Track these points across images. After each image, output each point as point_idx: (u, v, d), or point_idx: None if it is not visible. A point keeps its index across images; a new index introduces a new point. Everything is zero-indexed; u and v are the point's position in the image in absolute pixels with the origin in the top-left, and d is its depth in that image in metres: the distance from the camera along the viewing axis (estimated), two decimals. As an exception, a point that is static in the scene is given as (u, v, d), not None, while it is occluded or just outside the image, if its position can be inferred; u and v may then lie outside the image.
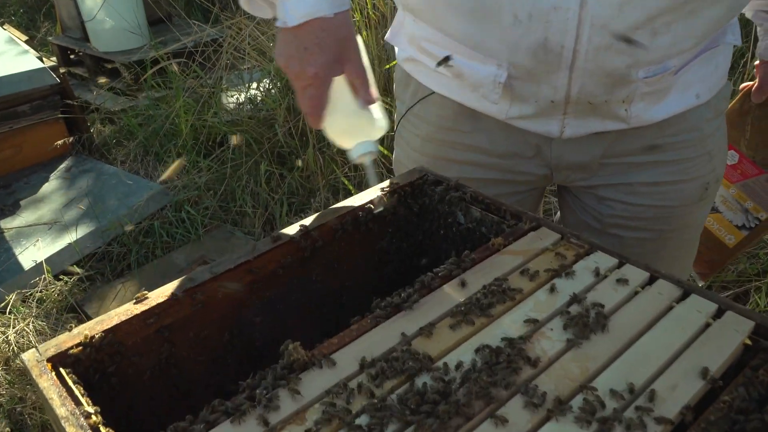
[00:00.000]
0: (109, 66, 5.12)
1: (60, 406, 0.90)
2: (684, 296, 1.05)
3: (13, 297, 2.90)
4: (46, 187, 3.80)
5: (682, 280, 1.08)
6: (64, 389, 0.93)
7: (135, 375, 1.13)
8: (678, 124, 1.39)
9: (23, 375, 2.58)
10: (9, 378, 2.54)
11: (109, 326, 1.05)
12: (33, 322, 2.79)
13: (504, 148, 1.49)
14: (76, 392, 0.94)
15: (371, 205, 1.35)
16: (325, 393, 0.90)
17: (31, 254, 3.24)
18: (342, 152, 3.45)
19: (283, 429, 0.85)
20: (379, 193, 1.36)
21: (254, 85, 4.23)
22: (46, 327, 2.80)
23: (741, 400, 0.87)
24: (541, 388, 0.89)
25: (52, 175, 3.90)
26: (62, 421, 0.88)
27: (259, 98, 4.17)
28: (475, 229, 1.36)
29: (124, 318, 1.06)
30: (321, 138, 3.61)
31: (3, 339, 2.67)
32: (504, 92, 1.35)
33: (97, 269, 3.31)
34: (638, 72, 1.27)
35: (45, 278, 3.06)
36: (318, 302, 1.37)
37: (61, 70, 4.04)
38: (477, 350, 0.96)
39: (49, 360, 0.98)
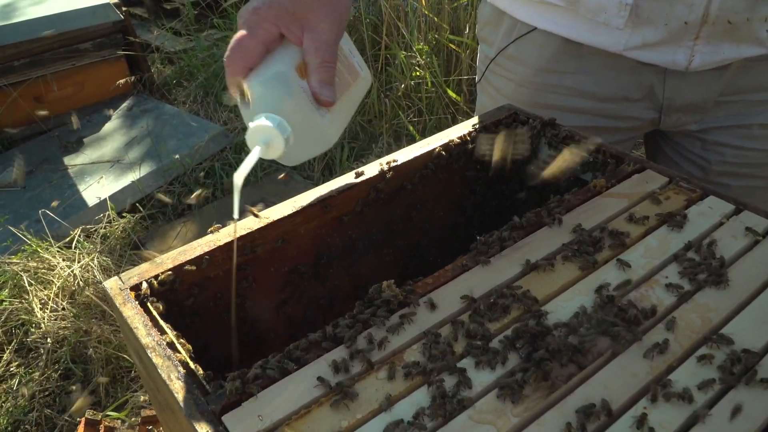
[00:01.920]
0: (169, 6, 5.07)
1: (146, 335, 0.86)
2: (812, 247, 0.96)
3: (77, 232, 2.92)
4: (108, 126, 3.81)
5: (810, 230, 0.98)
6: (149, 318, 0.89)
7: (213, 309, 1.09)
8: None
9: (88, 308, 2.61)
10: (74, 311, 2.57)
11: (192, 257, 1.00)
12: (97, 258, 2.80)
13: (611, 90, 1.35)
14: (161, 322, 0.90)
15: (453, 143, 1.27)
16: (423, 334, 0.84)
17: (94, 191, 3.25)
18: (407, 96, 3.36)
19: (380, 369, 0.80)
20: (470, 129, 1.28)
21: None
22: (110, 263, 2.82)
23: None
24: (660, 338, 0.81)
25: (114, 114, 3.90)
26: (148, 351, 0.84)
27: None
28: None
29: (207, 249, 1.01)
30: (385, 82, 3.51)
31: (69, 273, 2.69)
32: (628, 16, 1.21)
33: (158, 208, 3.31)
34: None
35: (108, 215, 3.07)
36: (398, 244, 1.31)
37: (123, 9, 4.01)
38: (585, 296, 0.89)
39: (131, 289, 0.95)
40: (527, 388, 0.76)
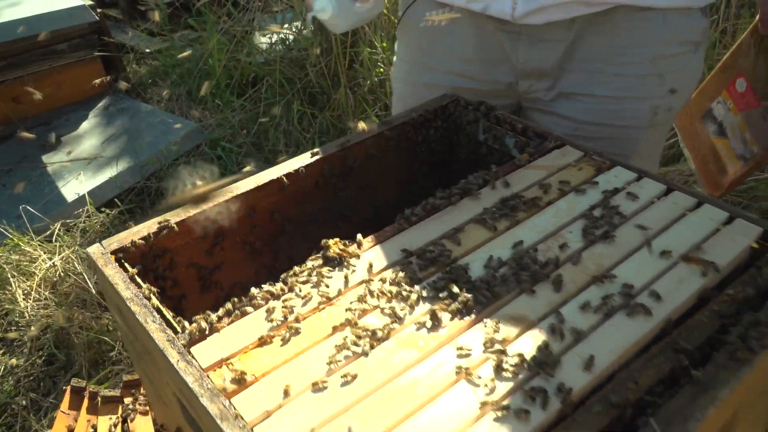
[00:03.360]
0: (143, 8, 5.18)
1: (125, 289, 1.00)
2: (697, 206, 1.12)
3: (57, 226, 3.03)
4: (86, 125, 3.91)
5: (697, 192, 1.15)
6: (127, 276, 1.03)
7: (186, 272, 1.23)
8: (630, 37, 1.41)
9: (67, 297, 2.73)
10: (56, 300, 2.69)
11: (164, 226, 1.14)
12: (77, 250, 2.92)
13: (474, 52, 1.55)
14: (137, 279, 1.04)
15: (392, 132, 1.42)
16: (363, 281, 1.00)
17: (73, 187, 3.36)
18: (372, 91, 3.51)
19: (324, 309, 0.95)
20: (413, 115, 1.43)
21: (286, 26, 4.28)
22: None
23: (744, 294, 0.95)
24: (559, 279, 0.97)
25: (91, 113, 4.01)
26: (127, 302, 0.98)
27: (291, 39, 4.22)
28: (502, 149, 1.43)
29: (177, 219, 1.16)
30: (352, 77, 3.66)
31: (50, 264, 2.81)
32: None
33: (136, 203, 3.43)
34: None
35: (87, 210, 3.18)
36: (352, 219, 1.46)
37: (98, 10, 4.12)
38: (501, 249, 1.04)
39: (112, 253, 1.09)
40: (444, 318, 0.91)
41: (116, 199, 3.37)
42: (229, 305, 0.96)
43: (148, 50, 4.68)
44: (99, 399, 1.53)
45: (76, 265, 2.87)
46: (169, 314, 0.97)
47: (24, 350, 2.59)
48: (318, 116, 3.77)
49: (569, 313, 0.92)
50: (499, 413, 0.78)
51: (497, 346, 0.87)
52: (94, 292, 2.72)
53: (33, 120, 3.89)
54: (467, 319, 0.92)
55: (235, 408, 0.81)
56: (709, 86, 1.71)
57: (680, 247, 1.02)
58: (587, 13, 1.38)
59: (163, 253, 1.16)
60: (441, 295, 0.95)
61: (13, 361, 2.54)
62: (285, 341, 0.90)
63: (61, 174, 3.49)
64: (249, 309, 0.96)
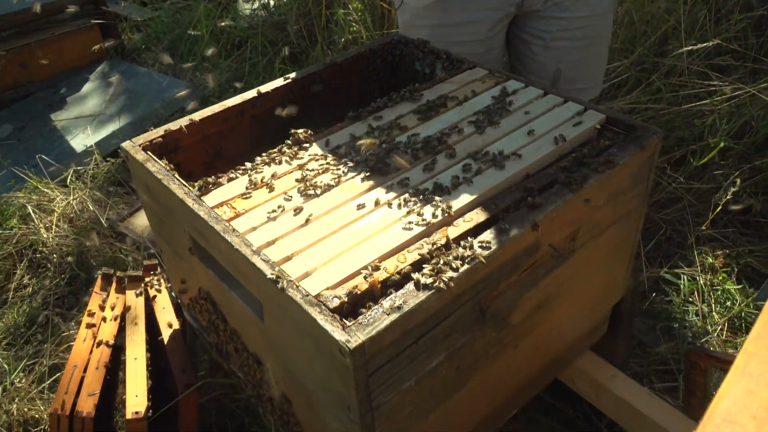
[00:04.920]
0: (133, -20, 5.53)
1: (152, 166, 1.43)
2: (564, 103, 1.54)
3: (71, 172, 3.44)
4: (88, 86, 4.30)
5: (565, 94, 1.57)
6: (154, 158, 1.46)
7: (192, 164, 1.65)
8: None
9: (84, 229, 3.15)
10: (75, 231, 3.11)
11: (176, 128, 1.56)
12: (89, 193, 3.33)
13: None
14: (157, 160, 1.46)
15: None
16: (320, 154, 1.42)
17: (81, 140, 3.77)
18: (347, 48, 3.91)
19: (293, 172, 1.38)
20: (363, 50, 1.85)
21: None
22: (100, 196, 3.35)
23: (582, 154, 1.38)
24: (457, 149, 1.40)
25: (92, 76, 4.40)
26: (154, 173, 1.40)
27: (272, 4, 4.60)
28: (432, 73, 1.85)
29: (186, 123, 1.58)
30: (327, 36, 4.06)
31: (67, 203, 3.23)
32: None
33: (137, 154, 3.83)
34: None
35: (95, 159, 3.59)
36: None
37: (93, -18, 4.49)
38: (420, 134, 1.47)
39: (139, 145, 1.51)
40: (375, 174, 1.34)
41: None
42: (228, 174, 1.39)
43: (140, 19, 5.05)
44: (126, 279, 1.96)
45: (89, 205, 3.28)
46: (183, 181, 1.40)
47: (48, 274, 3.02)
48: (299, 73, 4.16)
49: (458, 168, 1.35)
50: (404, 223, 1.22)
51: (408, 188, 1.30)
52: (105, 225, 3.15)
53: (39, 83, 4.27)
54: (390, 174, 1.35)
55: (232, 226, 1.24)
56: None
57: (543, 128, 1.45)
58: None
59: (176, 148, 1.58)
60: (375, 160, 1.38)
61: (45, 283, 2.97)
62: (268, 189, 1.33)
63: (69, 129, 3.89)
64: (240, 173, 1.39)
